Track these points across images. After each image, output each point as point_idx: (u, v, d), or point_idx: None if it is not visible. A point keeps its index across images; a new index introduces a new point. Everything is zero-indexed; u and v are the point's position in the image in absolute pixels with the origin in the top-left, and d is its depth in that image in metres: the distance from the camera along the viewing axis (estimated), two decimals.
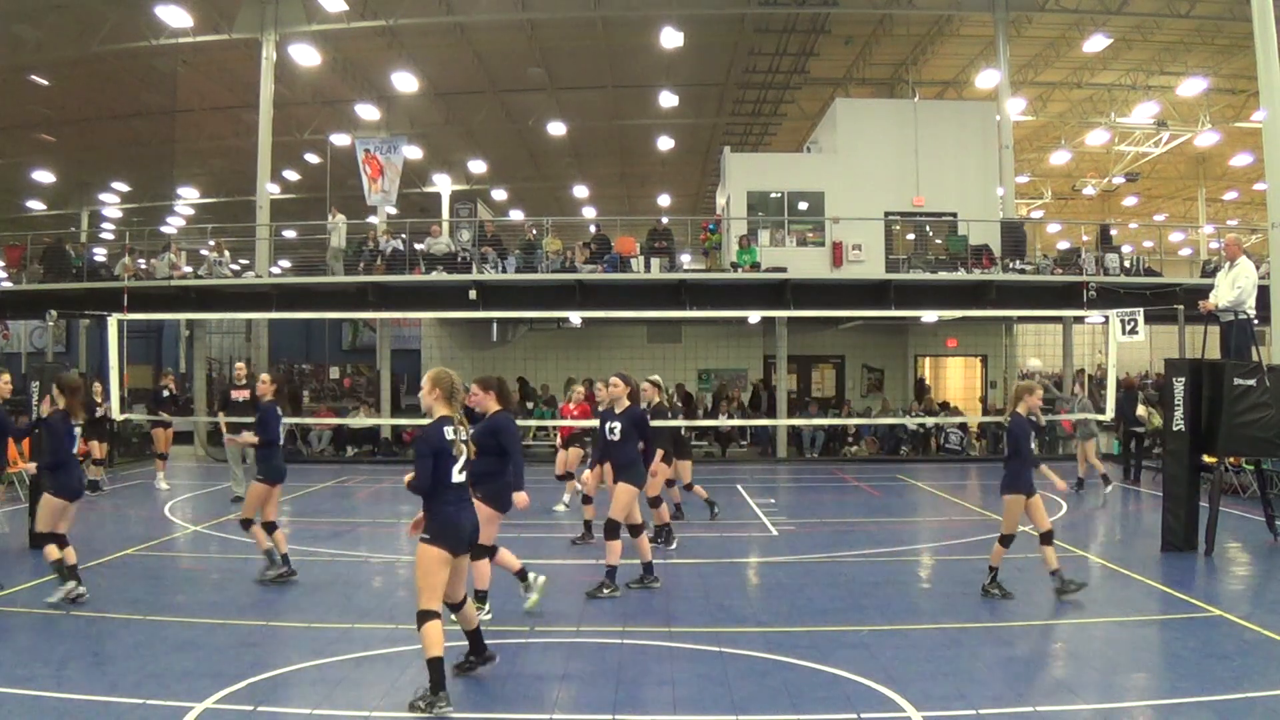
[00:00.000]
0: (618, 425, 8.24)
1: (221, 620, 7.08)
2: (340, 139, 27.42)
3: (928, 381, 24.51)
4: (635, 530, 8.25)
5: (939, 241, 21.97)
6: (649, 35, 22.22)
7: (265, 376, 9.20)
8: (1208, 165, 35.24)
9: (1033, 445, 8.06)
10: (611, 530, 8.02)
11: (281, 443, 8.63)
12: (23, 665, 5.97)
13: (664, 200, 39.77)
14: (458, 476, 5.42)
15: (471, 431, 5.61)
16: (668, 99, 26.43)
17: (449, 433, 5.43)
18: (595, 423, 10.29)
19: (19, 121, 27.58)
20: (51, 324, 14.58)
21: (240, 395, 13.26)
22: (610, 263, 20.17)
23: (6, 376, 8.80)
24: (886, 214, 21.75)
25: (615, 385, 8.33)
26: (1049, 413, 19.91)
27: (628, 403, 8.28)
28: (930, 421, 21.10)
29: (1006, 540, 7.88)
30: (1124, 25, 22.95)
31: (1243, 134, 29.19)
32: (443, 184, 32.17)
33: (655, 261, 20.10)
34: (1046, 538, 7.81)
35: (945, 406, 22.68)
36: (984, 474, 18.25)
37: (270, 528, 8.39)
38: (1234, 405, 9.89)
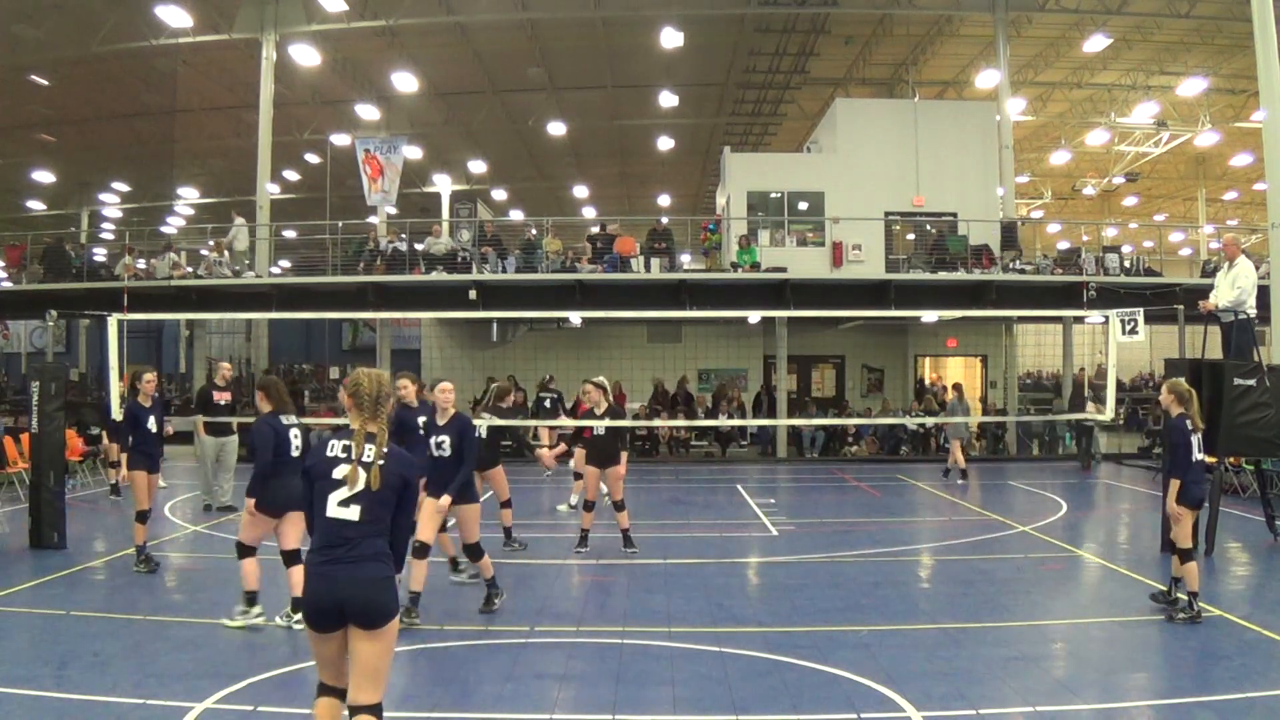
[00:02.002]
0: (446, 439, 7.19)
1: (221, 620, 7.07)
2: (340, 139, 27.43)
3: (943, 381, 24.24)
4: (476, 551, 7.35)
5: (934, 234, 21.87)
6: (649, 35, 22.22)
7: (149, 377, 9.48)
8: (1208, 165, 35.24)
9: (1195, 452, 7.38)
10: (475, 552, 7.34)
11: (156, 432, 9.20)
12: (23, 665, 5.97)
13: (664, 200, 39.79)
14: (337, 509, 3.85)
15: (386, 453, 3.99)
16: (668, 99, 26.44)
17: (336, 447, 3.98)
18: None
19: (19, 121, 27.60)
20: (51, 324, 14.54)
21: (222, 398, 12.95)
22: (610, 263, 20.18)
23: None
24: (886, 214, 21.75)
25: (444, 391, 7.33)
26: (1047, 412, 20.05)
27: (452, 411, 7.30)
28: (930, 421, 21.08)
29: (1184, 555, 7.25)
30: (1124, 25, 22.94)
31: (1243, 134, 29.19)
32: (443, 184, 32.18)
33: (655, 261, 20.10)
34: (1184, 555, 7.25)
35: (945, 406, 22.66)
36: (984, 474, 18.25)
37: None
38: (1234, 405, 9.89)
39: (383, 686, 3.84)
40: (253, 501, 6.78)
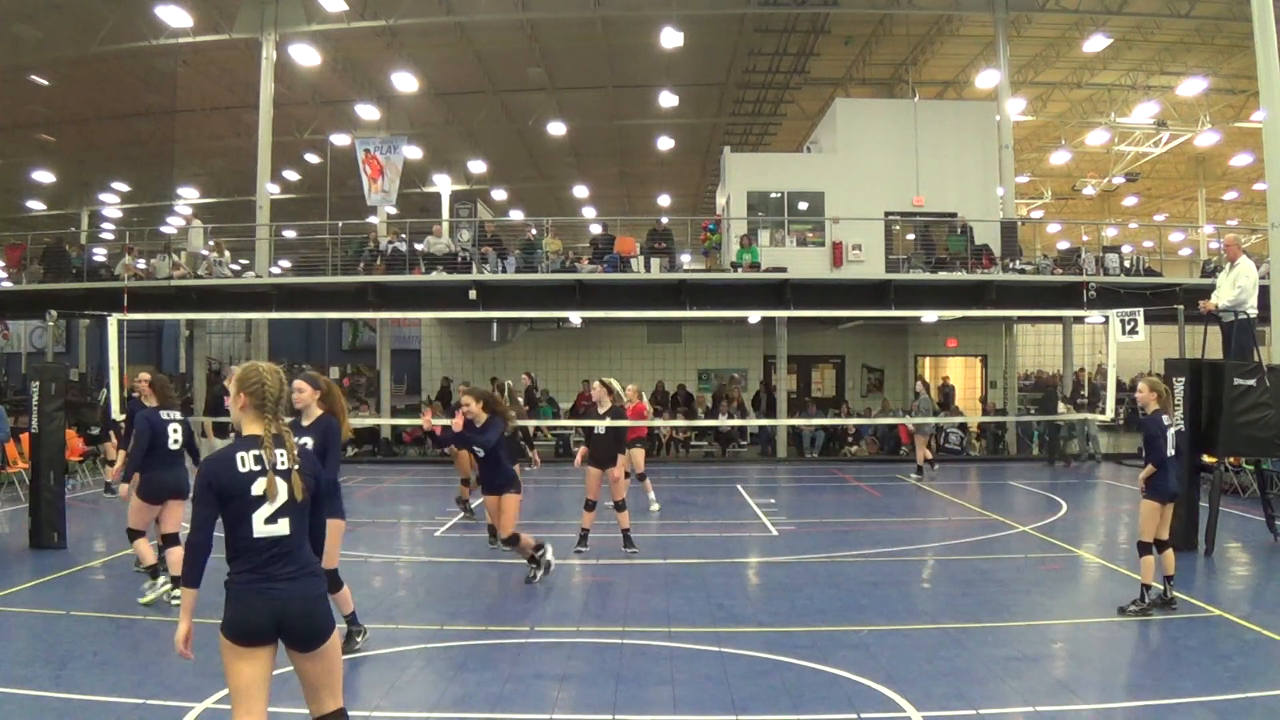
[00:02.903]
0: (309, 440, 6.10)
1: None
2: (340, 139, 27.42)
3: (950, 382, 24.09)
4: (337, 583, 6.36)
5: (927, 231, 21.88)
6: (649, 35, 22.20)
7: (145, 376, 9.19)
8: (1208, 165, 35.22)
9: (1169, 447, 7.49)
10: (336, 583, 6.24)
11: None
12: (23, 665, 5.97)
13: (664, 200, 39.78)
14: (265, 528, 3.49)
15: (299, 457, 3.63)
16: (668, 99, 26.42)
17: (247, 460, 3.53)
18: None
19: (19, 121, 27.59)
20: (51, 324, 14.56)
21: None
22: (610, 263, 20.18)
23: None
24: (886, 214, 21.74)
25: (301, 391, 6.30)
26: (1043, 412, 20.10)
27: (319, 411, 6.44)
28: (931, 421, 21.05)
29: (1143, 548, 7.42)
30: (1124, 25, 22.94)
31: (1243, 134, 29.18)
32: (443, 184, 32.17)
33: (655, 261, 20.10)
34: (1142, 547, 7.44)
35: (945, 407, 22.65)
36: (984, 474, 18.28)
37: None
38: (1234, 405, 9.90)
39: (340, 691, 3.65)
40: (125, 487, 7.68)
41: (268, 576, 3.49)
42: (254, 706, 3.47)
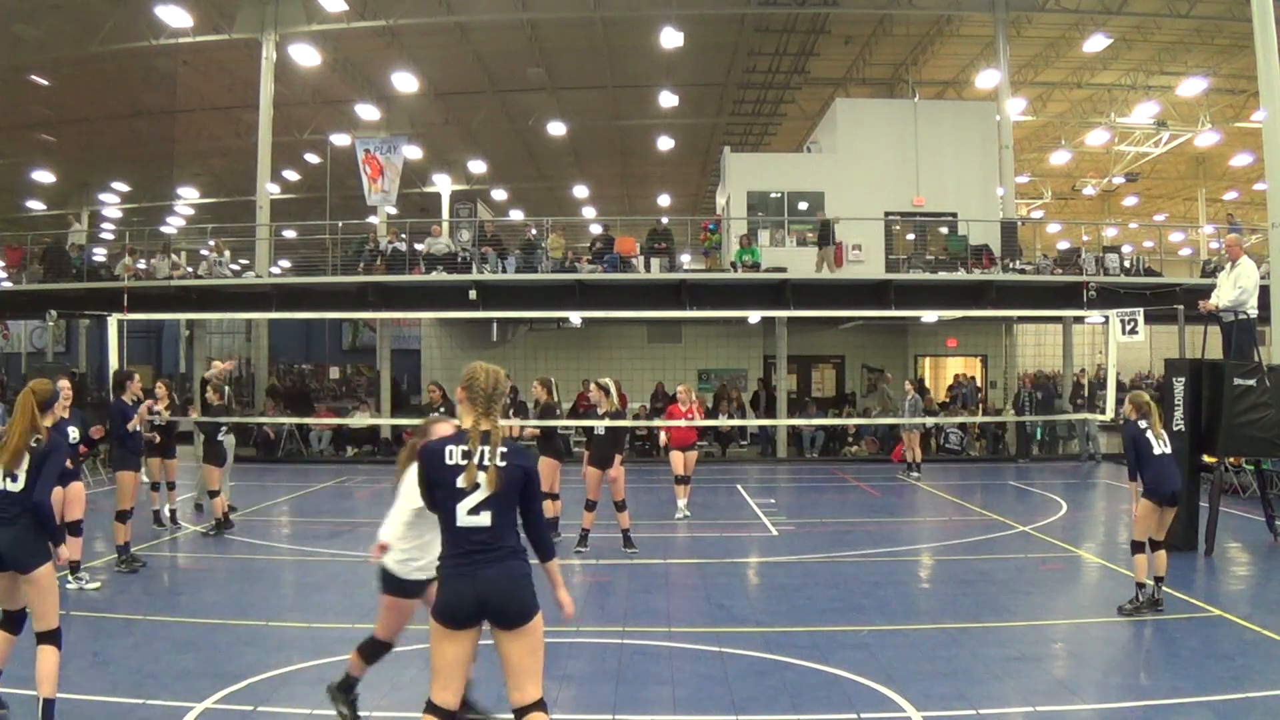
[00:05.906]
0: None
1: (221, 620, 7.08)
2: (340, 139, 27.43)
3: (975, 380, 24.14)
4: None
5: (942, 234, 21.91)
6: (649, 35, 22.22)
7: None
8: (1208, 165, 35.23)
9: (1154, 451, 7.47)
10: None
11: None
12: (23, 665, 5.96)
13: (664, 200, 39.78)
14: (468, 519, 3.77)
15: (504, 453, 3.82)
16: (668, 99, 26.43)
17: (455, 453, 3.81)
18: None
19: (19, 121, 27.59)
20: (51, 324, 14.54)
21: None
22: (610, 263, 20.17)
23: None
24: (886, 214, 21.74)
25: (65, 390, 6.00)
26: (1048, 411, 20.08)
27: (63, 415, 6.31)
28: (930, 421, 21.06)
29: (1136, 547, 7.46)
30: (1124, 25, 22.94)
31: (1243, 134, 29.19)
32: (443, 184, 32.18)
33: (655, 261, 20.10)
34: (1135, 546, 7.47)
35: (945, 406, 22.66)
36: (984, 474, 18.28)
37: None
38: (1234, 405, 9.90)
39: (541, 682, 3.86)
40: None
41: (472, 562, 3.75)
42: (450, 684, 3.83)
